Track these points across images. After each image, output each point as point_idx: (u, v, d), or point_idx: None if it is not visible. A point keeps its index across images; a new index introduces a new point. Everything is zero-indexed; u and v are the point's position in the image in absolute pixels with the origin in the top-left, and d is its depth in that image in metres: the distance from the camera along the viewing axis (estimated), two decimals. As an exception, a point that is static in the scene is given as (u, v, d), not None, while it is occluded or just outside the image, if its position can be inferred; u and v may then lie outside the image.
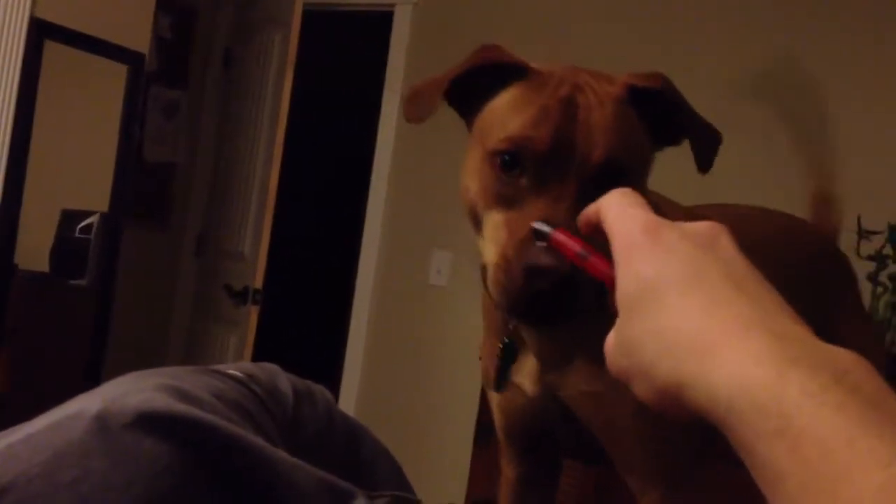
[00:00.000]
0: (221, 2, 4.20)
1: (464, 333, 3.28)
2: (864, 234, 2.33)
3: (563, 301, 0.78)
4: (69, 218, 3.63)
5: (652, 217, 0.54)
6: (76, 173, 3.66)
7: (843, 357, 0.43)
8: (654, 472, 1.03)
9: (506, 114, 0.89)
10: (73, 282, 3.61)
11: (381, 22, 3.69)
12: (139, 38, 3.50)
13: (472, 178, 0.91)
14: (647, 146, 0.91)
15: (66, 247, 3.61)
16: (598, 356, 0.98)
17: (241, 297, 3.57)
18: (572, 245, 0.63)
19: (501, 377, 1.06)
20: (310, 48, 3.71)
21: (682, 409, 0.48)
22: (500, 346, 1.05)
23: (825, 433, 0.39)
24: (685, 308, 0.48)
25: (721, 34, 2.93)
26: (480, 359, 1.15)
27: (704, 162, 0.91)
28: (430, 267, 3.38)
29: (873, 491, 0.37)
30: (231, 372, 0.79)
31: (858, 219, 2.34)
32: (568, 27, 3.19)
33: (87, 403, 0.59)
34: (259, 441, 0.61)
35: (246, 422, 0.65)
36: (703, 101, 0.98)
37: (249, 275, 3.55)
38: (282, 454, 0.62)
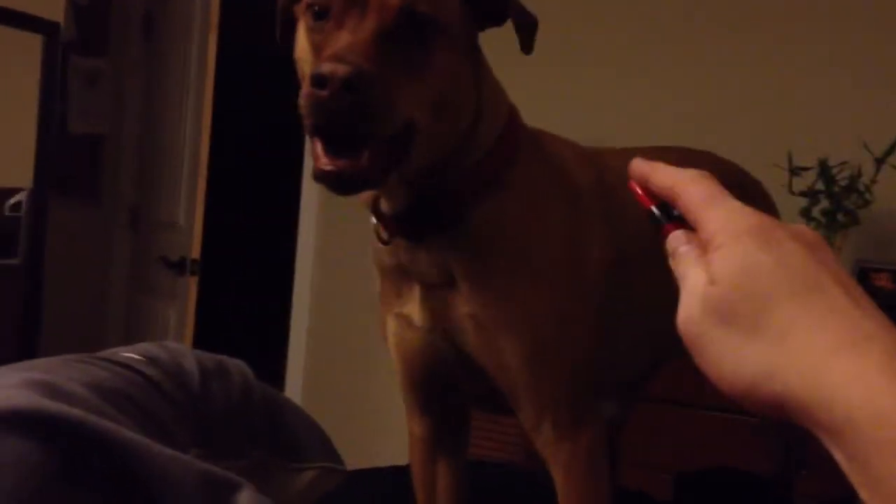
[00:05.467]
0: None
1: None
2: (795, 170, 2.34)
3: (349, 110, 0.78)
4: (-4, 196, 3.51)
5: (757, 212, 0.52)
6: (2, 150, 3.54)
7: None
8: (546, 406, 1.01)
9: None
10: (4, 262, 3.50)
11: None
12: (53, 6, 3.37)
13: (299, 47, 0.94)
14: (459, 11, 0.93)
15: (-4, 226, 3.50)
16: (482, 276, 0.98)
17: (179, 268, 3.49)
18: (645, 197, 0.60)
19: None
20: (231, 5, 3.61)
21: (764, 401, 0.46)
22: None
23: None
24: (803, 310, 0.47)
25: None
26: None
27: (525, 44, 0.96)
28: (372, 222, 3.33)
29: None
30: (125, 356, 0.76)
31: (789, 155, 2.35)
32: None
33: None
34: (132, 436, 0.57)
35: (127, 412, 0.62)
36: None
37: (186, 245, 3.48)
38: (158, 448, 0.59)
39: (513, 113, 1.05)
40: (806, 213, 2.31)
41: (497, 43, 1.06)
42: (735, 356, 0.48)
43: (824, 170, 2.32)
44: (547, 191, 1.04)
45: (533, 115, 1.12)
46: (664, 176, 0.57)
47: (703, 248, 0.52)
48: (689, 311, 0.50)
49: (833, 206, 2.30)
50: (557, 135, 1.15)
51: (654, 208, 0.58)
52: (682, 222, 0.56)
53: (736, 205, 0.53)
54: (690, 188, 0.55)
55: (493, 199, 0.99)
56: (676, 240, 0.55)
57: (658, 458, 2.00)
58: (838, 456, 0.43)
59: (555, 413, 1.01)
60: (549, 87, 2.83)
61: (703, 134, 2.61)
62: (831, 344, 0.45)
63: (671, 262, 0.55)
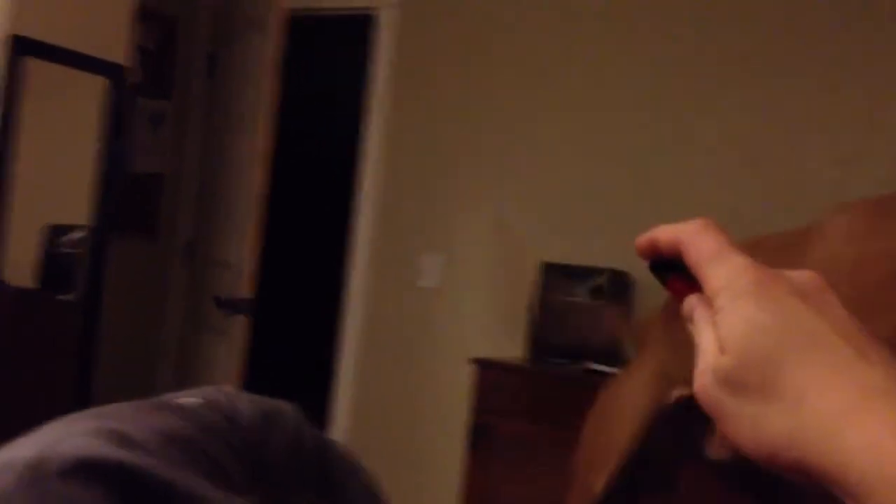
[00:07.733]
0: (201, 10, 4.17)
1: (455, 335, 3.26)
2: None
3: None
4: (56, 232, 3.60)
5: (755, 264, 0.51)
6: (62, 188, 3.63)
7: None
8: None
9: None
10: (61, 297, 3.58)
11: (365, 25, 3.67)
12: (119, 50, 3.47)
13: None
14: None
15: (54, 261, 3.59)
16: None
17: (232, 306, 3.54)
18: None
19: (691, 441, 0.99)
20: (293, 53, 3.69)
21: (788, 467, 0.46)
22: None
23: None
24: (810, 372, 0.47)
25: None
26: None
27: None
28: (421, 269, 3.36)
29: None
30: (186, 401, 0.76)
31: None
32: (554, 28, 3.16)
33: (18, 451, 0.56)
34: (202, 488, 0.57)
35: (196, 461, 0.62)
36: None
37: (239, 284, 3.53)
38: (227, 501, 0.59)
39: None
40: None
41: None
42: (752, 424, 0.48)
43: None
44: None
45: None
46: (668, 232, 0.56)
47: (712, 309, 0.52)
48: (703, 381, 0.50)
49: None
50: None
51: (650, 263, 0.57)
52: (684, 273, 0.55)
53: (739, 261, 0.51)
54: (694, 242, 0.54)
55: None
56: (691, 304, 0.54)
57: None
58: None
59: None
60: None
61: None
62: (841, 405, 0.45)
63: (689, 328, 0.54)
